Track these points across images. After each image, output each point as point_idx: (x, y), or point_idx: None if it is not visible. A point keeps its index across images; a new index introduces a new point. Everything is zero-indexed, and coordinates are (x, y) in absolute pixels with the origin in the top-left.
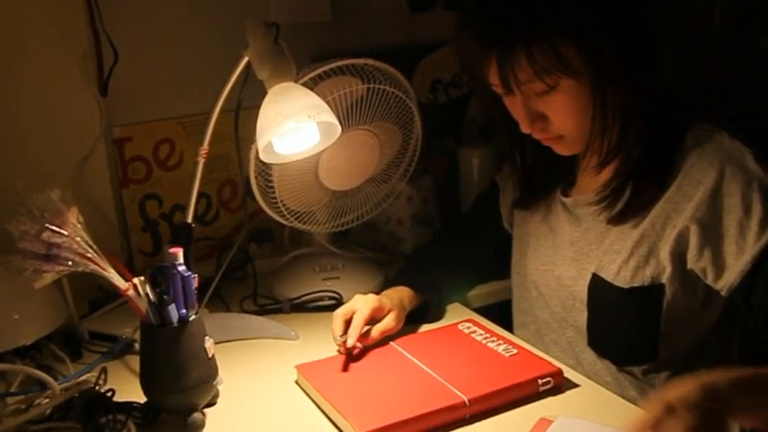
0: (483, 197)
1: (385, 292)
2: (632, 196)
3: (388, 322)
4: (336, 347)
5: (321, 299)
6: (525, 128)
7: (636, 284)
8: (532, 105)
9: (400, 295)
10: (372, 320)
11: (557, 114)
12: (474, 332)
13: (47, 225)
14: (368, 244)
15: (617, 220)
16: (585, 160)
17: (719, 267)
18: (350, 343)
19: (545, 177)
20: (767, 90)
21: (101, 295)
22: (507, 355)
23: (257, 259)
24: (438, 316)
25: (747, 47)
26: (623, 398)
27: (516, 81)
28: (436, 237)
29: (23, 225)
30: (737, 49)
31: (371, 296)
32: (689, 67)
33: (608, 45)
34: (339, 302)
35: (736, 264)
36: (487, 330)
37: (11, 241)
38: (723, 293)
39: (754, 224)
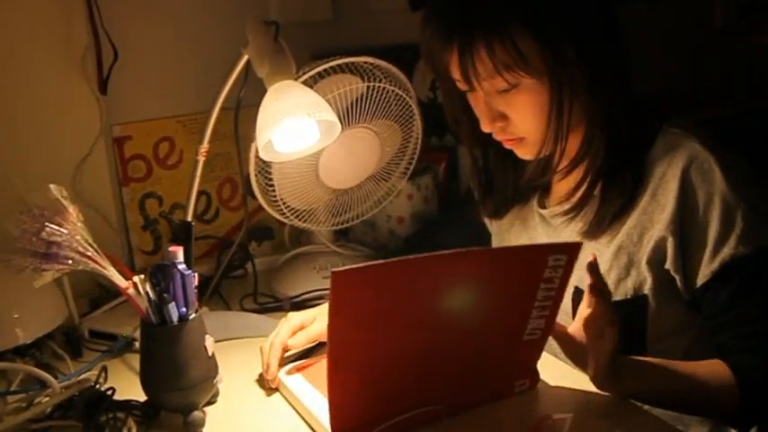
0: (458, 205)
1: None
2: (601, 206)
3: (310, 330)
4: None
5: (321, 297)
6: (486, 126)
7: (618, 298)
8: (494, 104)
9: None
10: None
11: (517, 114)
12: None
13: (47, 223)
14: (368, 242)
15: (591, 234)
16: (557, 168)
17: (685, 277)
18: (272, 372)
19: (514, 185)
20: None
21: (101, 294)
22: None
23: (257, 257)
24: None
25: (748, 44)
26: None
27: (476, 75)
28: (406, 244)
29: (23, 223)
30: (738, 47)
31: (293, 314)
32: (689, 66)
33: (568, 45)
34: None
35: (695, 279)
36: None
37: (11, 240)
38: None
39: (710, 242)
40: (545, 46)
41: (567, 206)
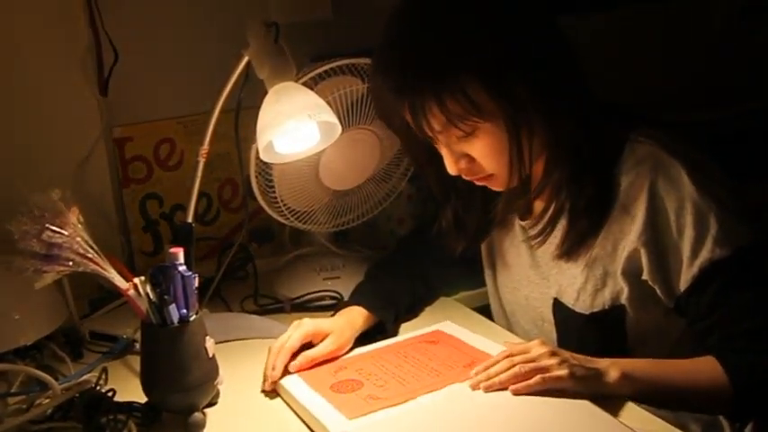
0: None
1: (339, 313)
2: (571, 225)
3: (320, 348)
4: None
5: (322, 298)
6: (452, 170)
7: (597, 309)
8: (456, 148)
9: (348, 317)
10: (310, 345)
11: (480, 156)
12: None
13: (47, 225)
14: (368, 243)
15: (566, 254)
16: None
17: (665, 286)
18: (276, 375)
19: (485, 220)
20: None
21: (101, 295)
22: None
23: (258, 259)
24: (400, 328)
25: (748, 44)
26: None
27: (432, 129)
28: (399, 245)
29: (24, 225)
30: (738, 47)
31: (306, 321)
32: (688, 66)
33: (519, 85)
34: (340, 302)
35: (677, 286)
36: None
37: (12, 241)
38: (672, 306)
39: (686, 248)
40: (496, 91)
41: (538, 227)
